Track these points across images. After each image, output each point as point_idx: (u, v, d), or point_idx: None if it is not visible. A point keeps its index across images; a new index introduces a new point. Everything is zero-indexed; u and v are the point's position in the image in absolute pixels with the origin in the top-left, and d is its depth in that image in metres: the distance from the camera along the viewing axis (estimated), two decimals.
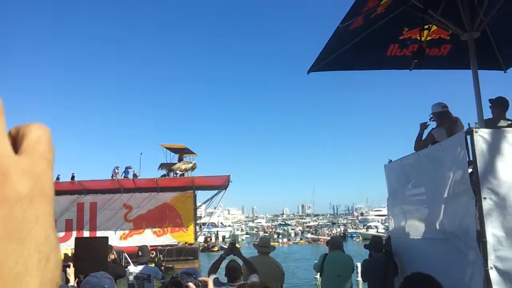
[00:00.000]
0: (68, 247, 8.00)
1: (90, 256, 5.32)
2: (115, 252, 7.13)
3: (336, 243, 7.00)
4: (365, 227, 76.35)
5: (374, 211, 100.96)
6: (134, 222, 23.13)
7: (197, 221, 26.93)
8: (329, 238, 14.37)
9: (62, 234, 20.93)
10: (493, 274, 4.03)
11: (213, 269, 5.08)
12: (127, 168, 24.29)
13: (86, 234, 21.38)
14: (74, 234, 21.05)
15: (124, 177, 23.93)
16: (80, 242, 6.47)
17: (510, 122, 5.34)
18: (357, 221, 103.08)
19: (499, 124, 5.24)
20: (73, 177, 23.58)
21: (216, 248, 46.89)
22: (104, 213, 22.74)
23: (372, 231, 54.68)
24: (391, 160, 6.59)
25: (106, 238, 6.63)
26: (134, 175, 24.37)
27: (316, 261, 6.93)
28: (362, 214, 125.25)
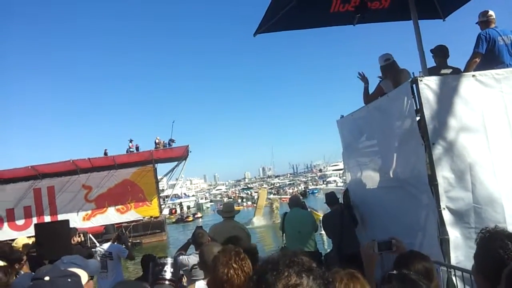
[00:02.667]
0: (29, 235, 7.76)
1: (52, 241, 5.21)
2: (81, 235, 6.99)
3: (294, 201, 7.17)
4: (324, 182, 78.41)
5: (332, 166, 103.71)
6: (95, 202, 22.72)
7: (160, 194, 26.70)
8: None
9: (22, 222, 20.31)
10: (446, 214, 4.25)
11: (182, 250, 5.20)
12: (170, 140, 23.79)
13: (47, 219, 20.78)
14: (34, 220, 20.45)
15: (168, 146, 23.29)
16: (40, 228, 6.30)
17: (451, 69, 5.53)
18: (316, 178, 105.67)
19: (442, 71, 5.41)
20: (105, 153, 22.86)
21: (190, 218, 46.46)
22: (63, 196, 22.14)
23: (332, 186, 56.28)
24: (342, 116, 6.72)
25: (67, 221, 6.48)
26: (170, 142, 23.69)
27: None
28: (320, 170, 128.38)
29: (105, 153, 23.43)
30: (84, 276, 1.97)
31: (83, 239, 7.17)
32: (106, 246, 6.34)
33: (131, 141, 24.21)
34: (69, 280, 1.74)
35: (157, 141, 24.51)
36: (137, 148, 24.13)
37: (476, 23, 5.34)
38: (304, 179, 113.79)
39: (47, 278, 1.70)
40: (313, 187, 79.78)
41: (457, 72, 5.30)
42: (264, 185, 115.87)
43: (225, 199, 71.70)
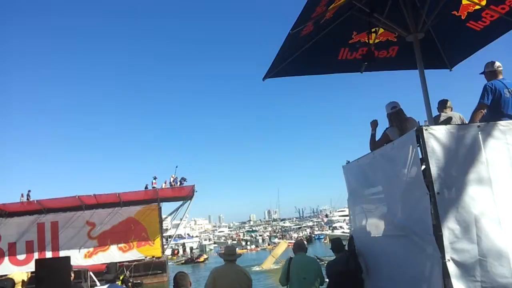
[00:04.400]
0: (29, 270, 7.63)
1: (53, 277, 5.15)
2: (72, 273, 6.88)
3: (299, 246, 7.05)
4: (330, 228, 77.29)
5: (338, 211, 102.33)
6: (98, 239, 22.49)
7: (164, 234, 26.44)
8: None
9: (23, 256, 20.12)
10: (451, 266, 4.14)
11: None
12: (182, 179, 23.90)
13: (48, 255, 20.56)
14: (36, 255, 20.25)
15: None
16: (41, 263, 6.22)
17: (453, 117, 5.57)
18: (322, 223, 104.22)
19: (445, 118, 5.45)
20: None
21: (202, 259, 45.34)
22: (66, 232, 21.98)
23: (338, 232, 55.41)
24: (348, 161, 6.71)
25: (68, 258, 6.41)
26: (182, 180, 23.84)
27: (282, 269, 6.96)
28: (327, 215, 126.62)
29: (28, 196, 22.84)
30: None
31: (74, 277, 7.04)
32: (105, 286, 6.23)
33: (155, 178, 24.31)
34: None
35: (172, 179, 24.56)
36: (149, 187, 24.16)
37: (481, 73, 5.38)
38: (310, 224, 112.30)
39: None
40: (318, 232, 78.60)
41: (460, 119, 5.33)
42: (269, 228, 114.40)
43: (229, 242, 70.71)
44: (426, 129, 4.44)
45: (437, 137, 4.42)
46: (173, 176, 24.87)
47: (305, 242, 8.51)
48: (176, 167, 26.22)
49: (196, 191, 23.40)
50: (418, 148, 4.54)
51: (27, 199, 22.83)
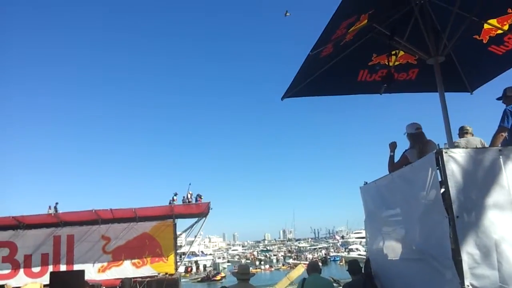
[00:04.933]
0: (44, 283, 7.72)
1: None
2: (88, 287, 6.95)
3: (313, 266, 6.97)
4: (346, 250, 76.16)
5: (355, 233, 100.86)
6: (112, 254, 22.45)
7: (178, 251, 26.38)
8: None
9: (38, 269, 20.20)
10: None
11: None
12: (198, 196, 24.11)
13: (63, 268, 20.59)
14: (50, 268, 20.28)
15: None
16: (56, 276, 6.33)
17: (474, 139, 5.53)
18: (338, 245, 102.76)
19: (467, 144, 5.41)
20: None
21: (219, 277, 44.89)
22: (81, 246, 21.99)
23: (354, 254, 54.59)
24: (366, 182, 6.67)
25: (83, 272, 6.48)
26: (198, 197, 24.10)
27: None
28: (343, 237, 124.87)
29: (55, 208, 23.06)
30: None
31: None
32: None
33: (175, 194, 24.38)
34: None
35: (189, 195, 24.60)
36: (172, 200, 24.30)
37: (499, 98, 5.35)
38: (325, 245, 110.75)
39: None
40: (334, 254, 77.49)
41: (481, 143, 5.29)
42: (284, 248, 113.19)
43: (243, 261, 70.16)
44: (446, 152, 4.41)
45: (457, 160, 4.39)
46: (190, 192, 24.93)
47: (320, 264, 8.42)
48: (190, 184, 26.17)
49: (212, 208, 23.31)
50: (438, 170, 4.51)
51: (55, 211, 23.09)
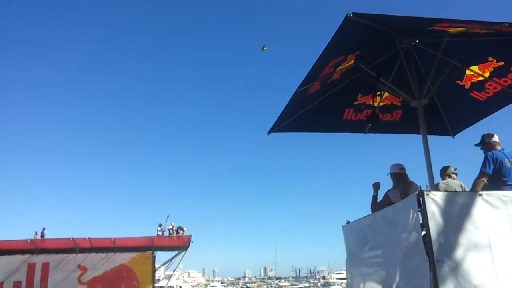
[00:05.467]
0: None
1: None
2: None
3: None
4: None
5: (336, 273, 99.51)
6: (88, 285, 21.78)
7: (155, 284, 25.69)
8: None
9: None
10: None
11: None
12: (179, 228, 23.59)
13: None
14: None
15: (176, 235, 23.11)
16: None
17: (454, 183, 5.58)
18: (319, 285, 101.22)
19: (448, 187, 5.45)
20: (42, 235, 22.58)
21: None
22: (56, 275, 21.32)
23: None
24: (348, 221, 6.64)
25: None
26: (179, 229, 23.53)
27: None
28: (324, 277, 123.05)
29: (42, 235, 22.70)
30: None
31: None
32: None
33: (160, 225, 23.92)
34: None
35: (170, 226, 24.18)
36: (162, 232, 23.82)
37: (477, 144, 5.45)
38: (306, 285, 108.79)
39: None
40: None
41: (461, 187, 5.33)
42: (264, 286, 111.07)
43: None
44: (427, 194, 4.42)
45: (438, 202, 4.40)
46: (172, 224, 24.53)
47: None
48: (168, 216, 25.74)
49: (193, 242, 22.94)
50: (419, 212, 4.51)
51: (42, 236, 22.49)
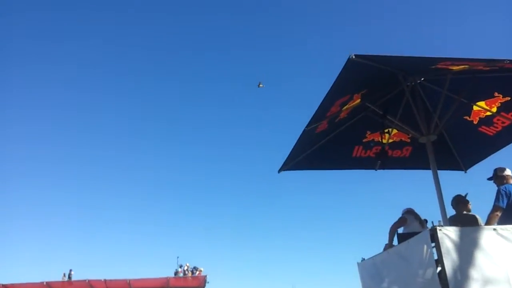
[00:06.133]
0: None
1: None
2: None
3: None
4: None
5: None
6: None
7: None
8: None
9: None
10: None
11: None
12: (194, 268, 23.55)
13: None
14: None
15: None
16: None
17: (469, 216, 5.55)
18: None
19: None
20: (69, 276, 22.59)
21: None
22: None
23: None
24: (363, 258, 6.59)
25: None
26: (194, 270, 23.47)
27: None
28: None
29: (69, 276, 22.85)
30: None
31: None
32: None
33: (180, 266, 23.80)
34: None
35: (185, 267, 24.03)
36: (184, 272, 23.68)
37: (489, 178, 5.46)
38: None
39: None
40: None
41: (474, 220, 5.32)
42: None
43: None
44: (440, 229, 4.41)
45: (451, 238, 4.38)
46: (187, 264, 24.38)
47: None
48: (178, 257, 25.48)
49: (208, 282, 22.74)
50: (433, 248, 4.49)
51: (69, 278, 22.54)
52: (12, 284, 20.38)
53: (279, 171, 6.20)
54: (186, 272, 23.74)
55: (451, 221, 5.38)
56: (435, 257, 4.45)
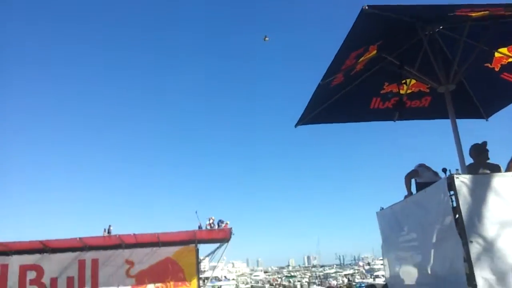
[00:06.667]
0: None
1: None
2: None
3: None
4: (372, 276, 74.16)
5: (380, 259, 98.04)
6: (136, 278, 22.57)
7: (201, 276, 26.33)
8: None
9: None
10: None
11: None
12: (220, 221, 24.41)
13: None
14: None
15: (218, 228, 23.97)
16: None
17: (489, 168, 5.54)
18: (364, 271, 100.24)
19: (480, 171, 5.44)
20: (109, 231, 23.73)
21: None
22: (105, 269, 22.19)
23: (379, 281, 53.15)
24: (382, 208, 6.73)
25: None
26: (220, 223, 24.33)
27: None
28: (368, 263, 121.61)
29: (109, 231, 23.84)
30: None
31: None
32: None
33: (209, 219, 24.58)
34: None
35: (211, 220, 24.76)
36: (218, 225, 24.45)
37: None
38: (350, 272, 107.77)
39: None
40: (359, 280, 75.52)
41: (496, 170, 5.31)
42: (308, 274, 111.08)
43: (267, 286, 69.14)
44: (457, 177, 4.47)
45: (468, 185, 4.44)
46: (212, 218, 25.11)
47: None
48: (196, 212, 26.14)
49: (233, 234, 23.36)
50: (450, 196, 4.57)
51: (108, 233, 23.68)
52: (49, 240, 21.46)
53: (296, 125, 6.25)
54: (212, 225, 24.46)
55: (470, 169, 5.41)
56: (452, 205, 4.54)
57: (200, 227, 23.96)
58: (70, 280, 22.07)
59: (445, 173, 4.93)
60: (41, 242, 21.73)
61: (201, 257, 25.38)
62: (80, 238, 22.12)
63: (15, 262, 21.35)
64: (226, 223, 24.55)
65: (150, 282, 22.91)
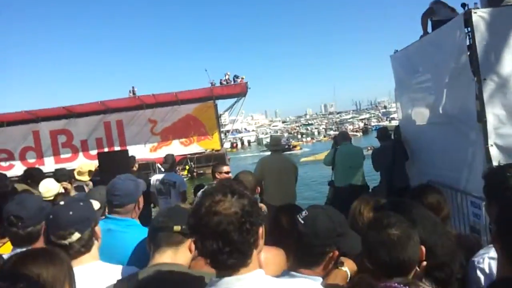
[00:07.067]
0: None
1: (114, 167, 5.64)
2: (137, 164, 7.59)
3: (343, 136, 7.20)
4: (388, 119, 76.25)
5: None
6: (161, 135, 23.82)
7: (222, 129, 27.49)
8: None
9: (94, 152, 21.88)
10: (493, 151, 4.20)
11: None
12: (235, 76, 24.83)
13: (117, 149, 22.23)
14: (106, 150, 21.98)
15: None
16: (103, 156, 6.95)
17: None
18: (380, 115, 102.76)
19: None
20: (134, 92, 24.52)
21: (298, 148, 46.59)
22: (130, 129, 23.36)
23: (395, 123, 54.78)
24: (397, 51, 6.56)
25: (127, 151, 7.12)
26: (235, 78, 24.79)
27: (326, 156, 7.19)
28: (385, 107, 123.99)
29: (133, 92, 24.47)
30: (96, 205, 2.23)
31: (137, 167, 7.75)
32: (171, 175, 6.64)
33: (226, 74, 24.85)
34: (81, 204, 2.03)
35: (227, 76, 24.97)
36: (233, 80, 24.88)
37: None
38: (367, 116, 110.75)
39: (62, 202, 2.03)
40: (376, 123, 77.92)
41: None
42: (325, 121, 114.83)
43: (286, 134, 72.32)
44: (475, 12, 4.24)
45: (486, 20, 4.23)
46: (228, 73, 25.23)
47: (361, 133, 8.60)
48: (206, 70, 26.11)
49: (250, 88, 23.70)
50: (466, 33, 4.38)
51: (133, 93, 24.49)
52: (72, 106, 22.18)
53: None
54: (228, 81, 24.66)
55: (493, 2, 5.06)
56: (469, 42, 4.37)
57: (213, 84, 24.26)
58: (99, 140, 23.35)
59: (463, 8, 4.65)
60: (64, 108, 22.53)
61: (220, 111, 26.21)
62: (101, 101, 22.74)
63: (44, 128, 22.51)
64: (242, 78, 24.72)
65: (174, 138, 24.09)
